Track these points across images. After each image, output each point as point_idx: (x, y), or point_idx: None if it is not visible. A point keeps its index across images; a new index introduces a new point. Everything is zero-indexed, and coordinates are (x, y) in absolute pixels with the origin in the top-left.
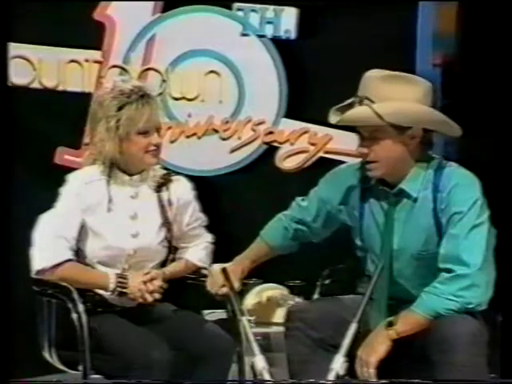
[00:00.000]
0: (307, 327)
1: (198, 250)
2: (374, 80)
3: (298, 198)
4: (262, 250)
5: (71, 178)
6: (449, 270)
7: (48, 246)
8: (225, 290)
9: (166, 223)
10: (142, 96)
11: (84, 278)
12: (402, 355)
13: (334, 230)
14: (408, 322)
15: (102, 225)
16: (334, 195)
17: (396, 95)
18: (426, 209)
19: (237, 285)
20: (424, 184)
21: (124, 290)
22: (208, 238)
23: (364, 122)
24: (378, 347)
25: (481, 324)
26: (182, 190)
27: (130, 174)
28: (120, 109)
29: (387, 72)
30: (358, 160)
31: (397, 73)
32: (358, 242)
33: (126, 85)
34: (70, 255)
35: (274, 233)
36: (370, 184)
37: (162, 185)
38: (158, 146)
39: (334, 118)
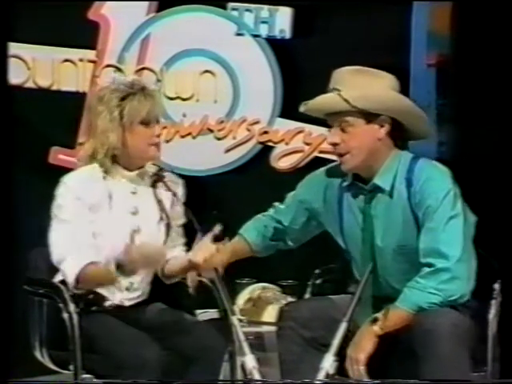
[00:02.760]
0: (299, 326)
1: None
2: (342, 73)
3: (276, 203)
4: (239, 245)
5: (68, 180)
6: (429, 265)
7: (72, 256)
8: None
9: (164, 219)
10: (143, 88)
11: (97, 277)
12: (389, 353)
13: (312, 235)
14: (392, 317)
15: (104, 222)
16: (313, 196)
17: (364, 84)
18: (402, 204)
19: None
20: (398, 179)
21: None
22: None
23: (331, 109)
24: (365, 344)
25: (464, 316)
26: (176, 186)
27: (131, 170)
28: (123, 99)
29: (356, 67)
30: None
31: (364, 67)
32: (342, 245)
33: (126, 78)
34: (93, 257)
35: (254, 230)
36: (346, 183)
37: (156, 181)
38: (158, 137)
39: (302, 107)
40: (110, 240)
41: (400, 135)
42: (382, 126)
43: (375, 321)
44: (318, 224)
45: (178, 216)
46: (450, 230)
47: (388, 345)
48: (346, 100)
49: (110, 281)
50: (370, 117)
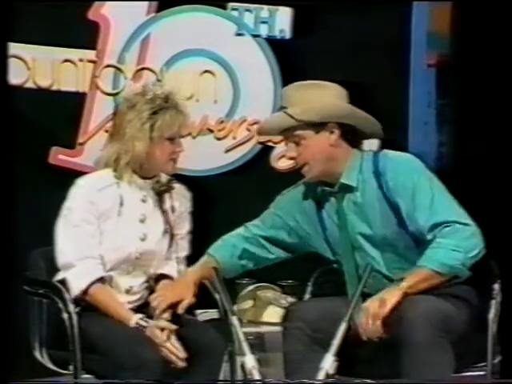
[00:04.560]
0: (306, 326)
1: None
2: (288, 91)
3: (247, 223)
4: (208, 265)
5: (82, 183)
6: (445, 227)
7: (80, 267)
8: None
9: (169, 229)
10: (177, 104)
11: (107, 308)
12: (375, 346)
13: (286, 255)
14: (417, 276)
15: (113, 228)
16: (290, 211)
17: (306, 99)
18: (375, 196)
19: (191, 296)
20: (366, 174)
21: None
22: (186, 251)
23: (280, 127)
24: (388, 299)
25: (441, 304)
26: (182, 199)
27: (145, 178)
28: (155, 112)
29: (299, 82)
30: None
31: (309, 81)
32: (331, 256)
33: (160, 89)
34: (101, 272)
35: (222, 249)
36: (319, 193)
37: (165, 191)
38: (179, 153)
39: (257, 131)
40: (117, 246)
41: (354, 136)
42: (331, 133)
43: (401, 280)
44: (295, 242)
45: (181, 228)
46: (444, 200)
47: (375, 344)
48: (291, 116)
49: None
50: (317, 127)
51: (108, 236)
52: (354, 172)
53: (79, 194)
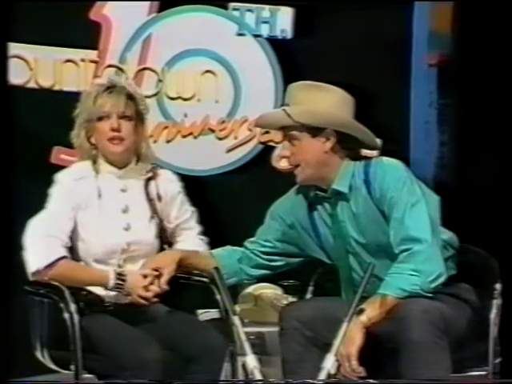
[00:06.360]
0: (302, 326)
1: (189, 244)
2: (293, 89)
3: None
4: (205, 258)
5: (60, 177)
6: (404, 250)
7: (40, 246)
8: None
9: (156, 217)
10: (107, 88)
11: (81, 276)
12: (373, 346)
13: (284, 263)
14: (377, 305)
15: (94, 220)
16: (284, 219)
17: (309, 100)
18: (367, 204)
19: (171, 269)
20: (357, 181)
21: (121, 290)
22: (197, 229)
23: (277, 124)
24: (353, 337)
25: (436, 303)
26: (168, 184)
27: (118, 167)
28: (85, 100)
29: (306, 82)
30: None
31: (315, 82)
32: (327, 260)
33: (102, 80)
34: (63, 252)
35: (221, 251)
36: (313, 197)
37: (149, 179)
38: (116, 130)
39: (254, 123)
40: (101, 238)
41: (349, 146)
42: (327, 140)
43: (361, 312)
44: (295, 249)
45: (178, 212)
46: (415, 216)
47: (369, 338)
48: (289, 115)
49: (99, 286)
50: (314, 131)
51: (90, 229)
52: (347, 178)
53: (56, 188)
